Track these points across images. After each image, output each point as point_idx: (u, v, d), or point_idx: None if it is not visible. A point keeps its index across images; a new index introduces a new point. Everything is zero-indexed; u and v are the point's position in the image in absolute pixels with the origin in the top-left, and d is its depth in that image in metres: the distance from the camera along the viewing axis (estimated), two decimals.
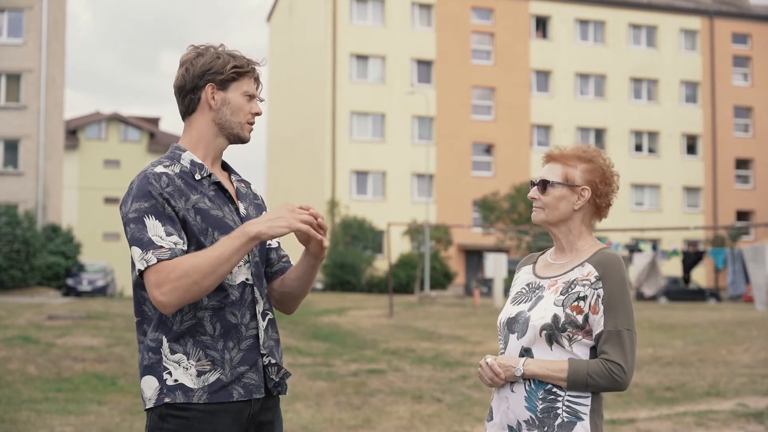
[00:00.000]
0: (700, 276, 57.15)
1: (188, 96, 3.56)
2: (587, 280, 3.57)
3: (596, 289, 3.54)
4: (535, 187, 3.75)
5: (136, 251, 3.33)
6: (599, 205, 3.72)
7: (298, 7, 64.14)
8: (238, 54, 3.59)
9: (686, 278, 24.29)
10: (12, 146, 45.10)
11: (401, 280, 50.67)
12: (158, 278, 3.28)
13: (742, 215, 64.82)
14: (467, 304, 37.89)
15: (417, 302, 38.19)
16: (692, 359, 19.11)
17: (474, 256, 58.51)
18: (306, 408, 13.00)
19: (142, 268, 3.30)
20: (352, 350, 20.44)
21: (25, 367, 16.21)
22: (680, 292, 50.16)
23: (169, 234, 3.34)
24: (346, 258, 50.66)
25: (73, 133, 71.28)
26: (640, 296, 48.12)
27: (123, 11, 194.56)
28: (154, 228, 3.33)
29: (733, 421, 11.68)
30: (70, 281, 42.86)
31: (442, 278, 52.80)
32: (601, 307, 3.52)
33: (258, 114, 3.62)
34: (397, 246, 51.25)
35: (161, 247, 3.31)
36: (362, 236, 53.24)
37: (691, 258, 23.90)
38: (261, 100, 3.67)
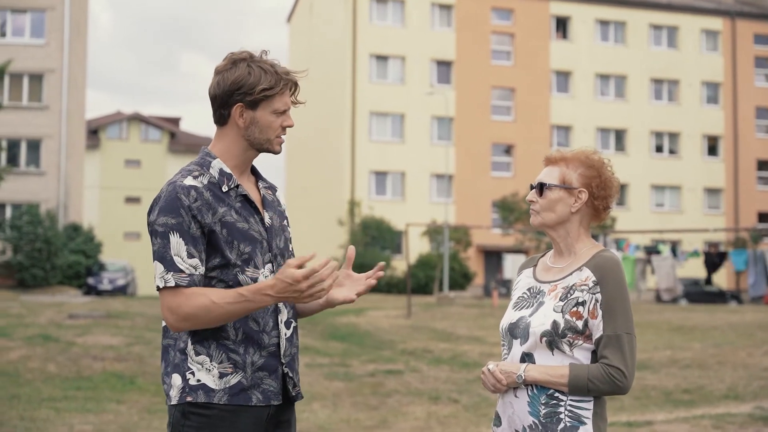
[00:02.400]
0: (721, 278, 56.85)
1: (219, 110, 3.58)
2: (585, 284, 3.58)
3: (594, 294, 3.55)
4: (533, 190, 3.77)
5: (159, 267, 3.42)
6: (597, 208, 3.73)
7: (318, 7, 64.20)
8: (270, 69, 3.57)
9: (708, 279, 24.15)
10: (34, 146, 45.32)
11: (420, 281, 50.65)
12: (173, 303, 3.39)
13: (764, 217, 64.44)
14: (486, 305, 37.85)
15: (435, 303, 38.16)
16: (711, 362, 19.04)
17: (493, 257, 58.45)
18: (323, 408, 13.05)
19: (161, 286, 3.41)
20: (369, 351, 20.47)
21: (45, 365, 16.32)
22: (700, 293, 49.90)
23: (190, 256, 3.41)
24: (365, 258, 50.57)
25: (94, 132, 71.56)
26: (660, 298, 48.03)
27: (143, 12, 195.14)
28: (177, 246, 3.40)
29: (751, 425, 11.64)
30: (90, 280, 43.05)
31: (461, 279, 52.75)
32: (600, 312, 3.53)
33: (289, 126, 3.64)
34: (416, 246, 51.22)
35: (182, 271, 3.39)
36: (381, 237, 53.23)
37: (714, 259, 23.82)
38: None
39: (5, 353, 17.29)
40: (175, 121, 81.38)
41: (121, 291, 42.68)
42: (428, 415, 12.63)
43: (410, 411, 12.96)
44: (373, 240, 53.00)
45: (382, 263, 3.76)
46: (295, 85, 3.65)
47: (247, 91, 3.52)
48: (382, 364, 17.87)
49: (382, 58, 58.90)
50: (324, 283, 3.36)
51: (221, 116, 3.59)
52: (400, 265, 52.93)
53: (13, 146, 44.94)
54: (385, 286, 51.70)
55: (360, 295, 3.73)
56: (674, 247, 24.54)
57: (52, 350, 17.65)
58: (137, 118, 74.29)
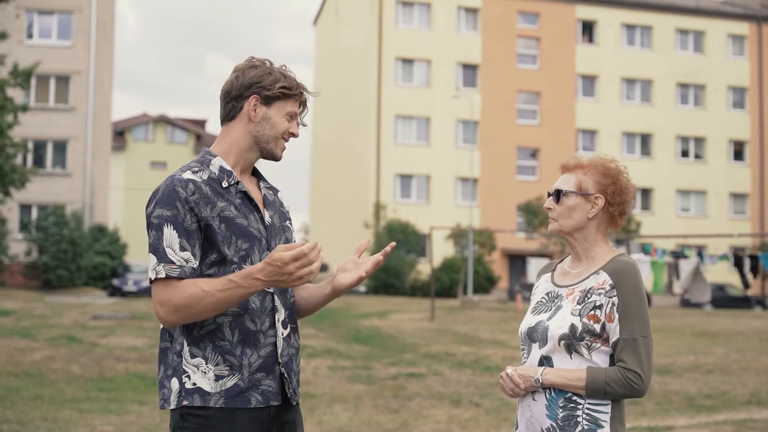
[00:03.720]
0: None
1: (231, 102, 3.60)
2: (602, 288, 3.60)
3: (611, 297, 3.57)
4: (550, 197, 3.79)
5: (152, 259, 3.42)
6: (612, 214, 3.75)
7: (344, 10, 64.30)
8: (290, 75, 3.63)
9: (746, 283, 23.76)
10: (60, 147, 45.61)
11: (444, 284, 50.59)
12: (162, 295, 3.38)
13: None
14: (509, 309, 37.82)
15: (459, 306, 38.16)
16: (734, 367, 18.96)
17: (517, 261, 58.35)
18: (344, 410, 13.06)
19: (153, 278, 3.41)
20: (392, 354, 20.46)
21: (68, 366, 16.42)
22: (725, 299, 49.72)
23: (183, 249, 3.41)
24: (389, 261, 50.65)
25: (120, 134, 71.97)
26: (686, 303, 47.84)
27: (169, 14, 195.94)
28: (170, 239, 3.40)
29: None
30: (115, 281, 43.27)
31: (485, 282, 52.68)
32: (617, 315, 3.55)
33: (295, 136, 3.66)
34: (441, 250, 51.18)
35: (172, 262, 3.38)
36: (406, 240, 53.22)
37: (746, 263, 23.53)
38: (303, 125, 3.72)
39: (29, 354, 17.41)
40: (201, 123, 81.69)
41: (146, 292, 42.78)
42: (449, 418, 12.62)
43: (431, 414, 12.96)
44: (398, 243, 52.98)
45: (393, 243, 3.72)
46: (305, 103, 3.69)
47: (265, 86, 3.57)
48: (405, 367, 17.87)
49: (407, 62, 58.93)
50: (313, 266, 3.35)
51: (233, 108, 3.61)
52: (424, 269, 52.94)
53: (39, 147, 45.24)
54: (409, 289, 51.72)
55: (368, 273, 3.69)
56: (700, 252, 24.33)
57: (75, 351, 17.75)
58: (163, 120, 74.62)
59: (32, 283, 42.12)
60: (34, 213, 44.78)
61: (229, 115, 3.63)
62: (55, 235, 41.45)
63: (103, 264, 43.62)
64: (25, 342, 18.65)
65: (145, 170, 72.82)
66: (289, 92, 3.60)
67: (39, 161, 45.12)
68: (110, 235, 45.36)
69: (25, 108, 33.67)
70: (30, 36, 46.04)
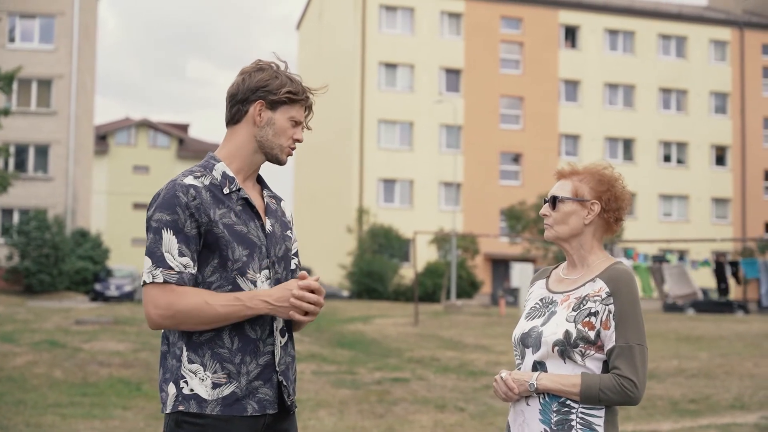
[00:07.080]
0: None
1: (237, 106, 3.60)
2: (598, 296, 3.59)
3: (607, 305, 3.56)
4: (546, 203, 3.79)
5: (147, 262, 3.41)
6: (608, 220, 3.75)
7: (327, 14, 64.32)
8: (296, 79, 3.65)
9: (724, 288, 23.82)
10: (42, 151, 45.42)
11: (427, 289, 50.61)
12: (158, 299, 3.38)
13: None
14: (493, 314, 37.83)
15: (442, 311, 38.15)
16: (718, 372, 19.02)
17: (500, 266, 58.38)
18: (329, 416, 13.04)
19: (148, 281, 3.40)
20: (376, 358, 20.45)
21: (51, 371, 16.33)
22: (708, 303, 49.90)
23: (181, 254, 3.40)
24: (372, 266, 50.64)
25: (102, 138, 71.80)
26: (669, 307, 47.99)
27: (151, 18, 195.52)
28: (169, 244, 3.39)
29: None
30: (97, 286, 43.03)
31: (468, 287, 52.71)
32: (613, 323, 3.55)
33: (299, 141, 3.68)
34: (424, 254, 51.21)
35: (171, 268, 3.38)
36: (389, 244, 53.21)
37: (728, 269, 23.62)
38: (308, 129, 3.74)
39: (12, 359, 17.31)
40: (184, 128, 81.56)
41: (128, 297, 42.68)
42: (435, 423, 12.61)
43: (416, 419, 12.94)
44: (381, 247, 52.99)
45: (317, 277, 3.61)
46: (311, 107, 3.72)
47: (271, 91, 3.58)
48: (389, 372, 17.86)
49: (391, 66, 58.95)
50: (320, 303, 3.45)
51: (238, 112, 3.60)
52: (407, 273, 52.96)
53: (21, 152, 45.04)
54: (393, 294, 51.70)
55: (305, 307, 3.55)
56: (682, 257, 24.42)
57: (58, 356, 17.66)
58: (146, 124, 74.52)
59: (14, 288, 41.93)
60: (16, 217, 44.58)
61: (234, 118, 3.63)
62: (37, 239, 41.27)
63: (85, 269, 43.45)
64: (8, 347, 18.55)
65: (127, 174, 72.70)
66: (295, 97, 3.62)
67: (21, 165, 44.92)
68: (92, 239, 45.19)
69: (6, 112, 33.53)
70: (12, 40, 45.86)
